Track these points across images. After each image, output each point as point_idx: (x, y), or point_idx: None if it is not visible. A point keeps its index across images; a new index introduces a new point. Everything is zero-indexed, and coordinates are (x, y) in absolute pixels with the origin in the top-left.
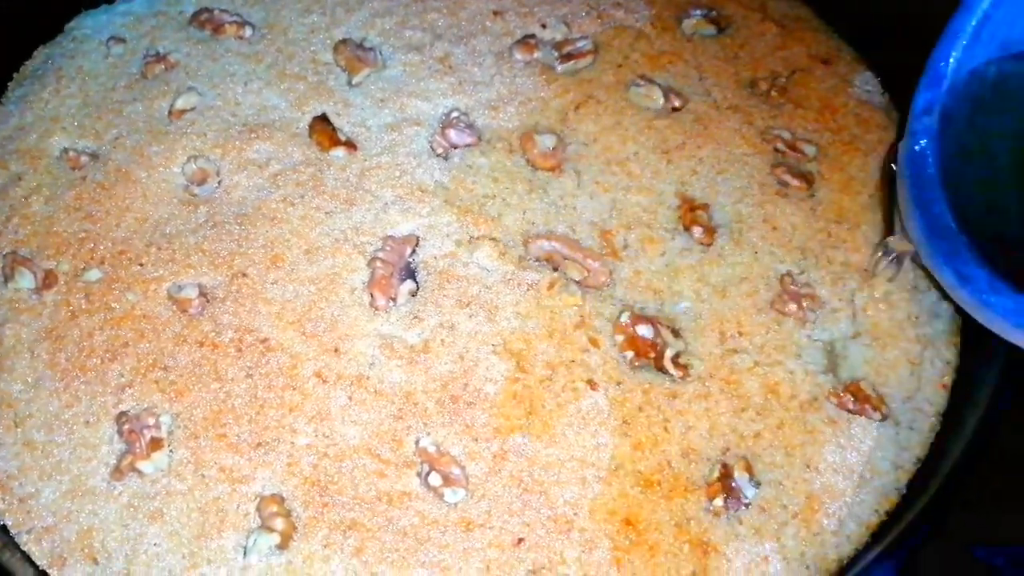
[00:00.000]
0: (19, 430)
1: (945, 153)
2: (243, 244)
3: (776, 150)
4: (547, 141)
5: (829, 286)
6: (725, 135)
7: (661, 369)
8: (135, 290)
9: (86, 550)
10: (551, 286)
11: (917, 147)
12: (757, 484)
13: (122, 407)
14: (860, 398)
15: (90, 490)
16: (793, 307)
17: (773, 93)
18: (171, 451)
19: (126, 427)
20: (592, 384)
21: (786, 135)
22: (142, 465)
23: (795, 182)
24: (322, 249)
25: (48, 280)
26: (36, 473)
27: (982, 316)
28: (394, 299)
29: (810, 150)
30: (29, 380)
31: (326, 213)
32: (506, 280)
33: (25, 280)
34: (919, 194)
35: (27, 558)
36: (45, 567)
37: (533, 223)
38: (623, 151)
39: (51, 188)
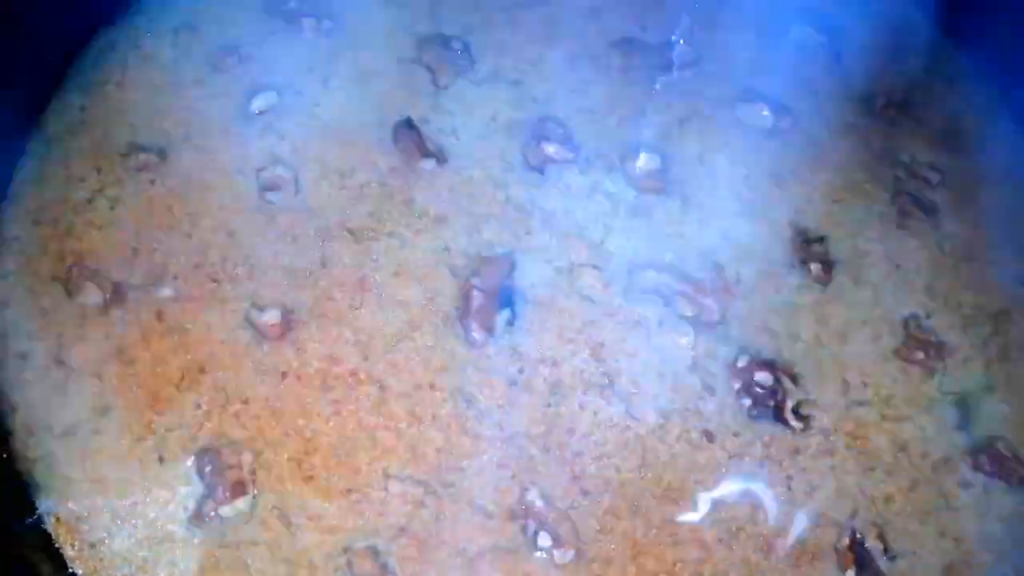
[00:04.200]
0: (88, 464)
1: None
2: (327, 262)
3: (896, 177)
4: (651, 161)
5: (959, 332)
6: (841, 158)
7: (781, 420)
8: (211, 310)
9: None
10: (661, 323)
11: None
12: (891, 556)
13: (201, 443)
14: (997, 459)
15: (168, 536)
16: (920, 355)
17: (891, 111)
18: (255, 495)
19: (207, 467)
20: (708, 435)
21: (906, 159)
22: (224, 510)
23: (918, 213)
24: (412, 271)
25: (116, 296)
26: (108, 515)
27: None
28: (491, 330)
29: (933, 177)
30: (98, 408)
31: (415, 231)
32: (611, 314)
33: (92, 295)
34: None
35: None
36: None
37: (638, 251)
38: (733, 174)
39: (117, 191)
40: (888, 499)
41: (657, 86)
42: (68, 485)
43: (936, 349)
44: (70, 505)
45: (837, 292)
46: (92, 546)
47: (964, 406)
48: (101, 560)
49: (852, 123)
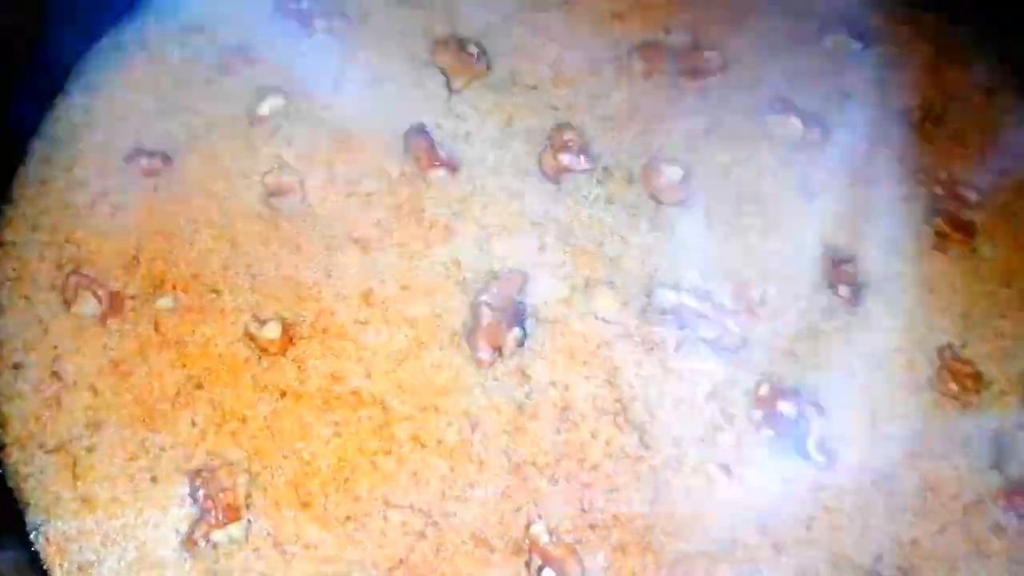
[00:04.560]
0: (79, 483)
1: None
2: (331, 274)
3: (932, 194)
4: (672, 172)
5: (996, 364)
6: (874, 174)
7: (804, 454)
8: (210, 323)
9: None
10: (679, 346)
11: None
12: None
13: (195, 463)
14: None
15: (159, 562)
16: (954, 387)
17: (927, 125)
18: (250, 520)
19: (201, 489)
20: (726, 469)
21: (943, 176)
22: (217, 535)
23: (955, 234)
24: (420, 285)
25: (114, 306)
26: (98, 537)
27: None
28: (500, 350)
29: (972, 196)
30: (90, 423)
31: (424, 243)
32: (628, 335)
33: (88, 305)
34: None
35: None
36: None
37: (658, 268)
38: (759, 188)
39: (119, 196)
40: (915, 543)
41: (682, 93)
42: (58, 503)
43: (972, 380)
44: (59, 524)
45: (867, 317)
46: (80, 569)
47: (999, 443)
48: None
49: (887, 137)
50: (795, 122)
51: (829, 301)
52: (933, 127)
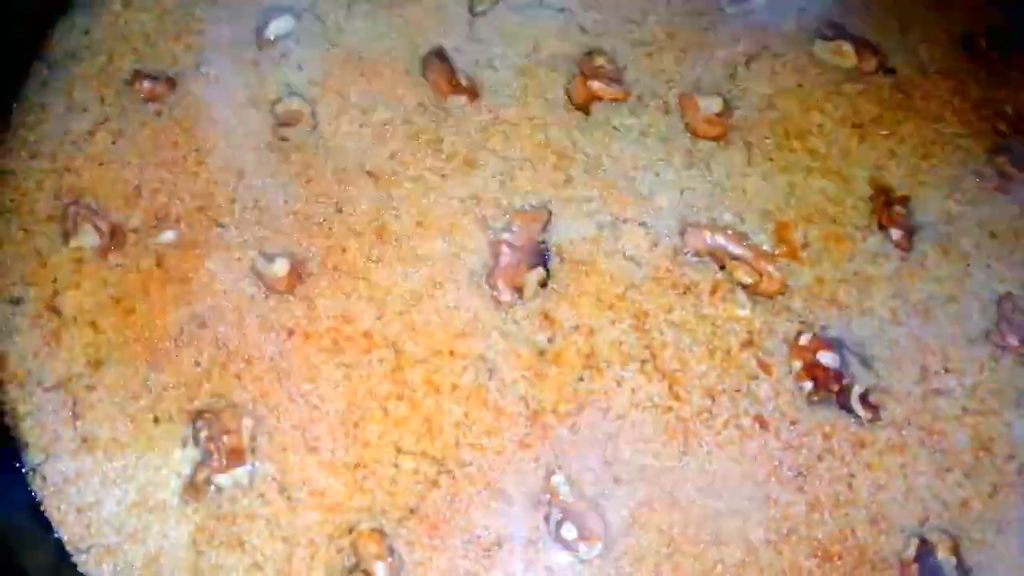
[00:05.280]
0: (78, 423)
1: None
2: (343, 208)
3: (996, 131)
4: (711, 103)
5: None
6: (933, 108)
7: (846, 407)
8: (215, 258)
9: None
10: (714, 291)
11: None
12: (965, 571)
13: (198, 404)
14: None
15: (159, 505)
16: (1014, 341)
17: (994, 55)
18: (254, 464)
19: (203, 431)
20: (762, 422)
21: (1009, 111)
22: (220, 479)
23: (1020, 175)
24: (436, 221)
25: (115, 239)
26: (97, 479)
27: None
28: (520, 291)
29: None
30: (91, 360)
31: (442, 176)
32: (658, 279)
33: (89, 238)
34: None
35: None
36: None
37: (693, 207)
38: (805, 121)
39: (120, 123)
40: (964, 505)
41: (724, 17)
42: (56, 443)
43: None
44: (57, 465)
45: (920, 262)
46: (79, 511)
47: None
48: (88, 527)
49: (948, 67)
50: (848, 49)
51: (879, 245)
52: (1000, 57)
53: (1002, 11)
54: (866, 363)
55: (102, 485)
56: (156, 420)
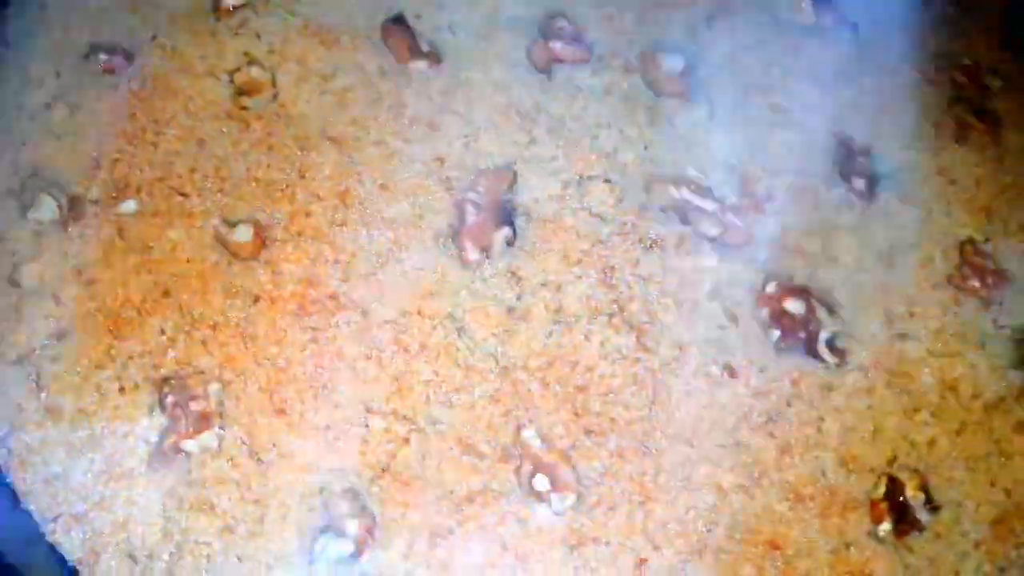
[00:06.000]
0: (43, 394)
1: None
2: (306, 174)
3: (954, 82)
4: (674, 61)
5: (1019, 260)
6: (892, 60)
7: (813, 354)
8: (177, 227)
9: (123, 545)
10: (680, 244)
11: None
12: (933, 506)
13: (164, 371)
14: None
15: (127, 473)
16: (975, 283)
17: (949, 8)
18: (222, 429)
19: (169, 397)
20: (731, 370)
21: (966, 62)
22: (188, 445)
23: (978, 124)
24: (400, 184)
25: (74, 210)
26: (63, 449)
27: None
28: (487, 250)
29: (996, 83)
30: (53, 332)
31: (404, 140)
32: (624, 233)
33: (47, 210)
34: None
35: (54, 552)
36: (75, 563)
37: (656, 162)
38: (766, 77)
39: (78, 96)
40: (932, 444)
41: None
42: (20, 415)
43: (994, 277)
44: (23, 436)
45: (883, 210)
46: (47, 482)
47: (1022, 343)
48: (55, 497)
49: (906, 20)
50: (805, 5)
51: (842, 195)
52: (957, 10)
53: None
54: (832, 310)
55: (68, 455)
56: (122, 390)
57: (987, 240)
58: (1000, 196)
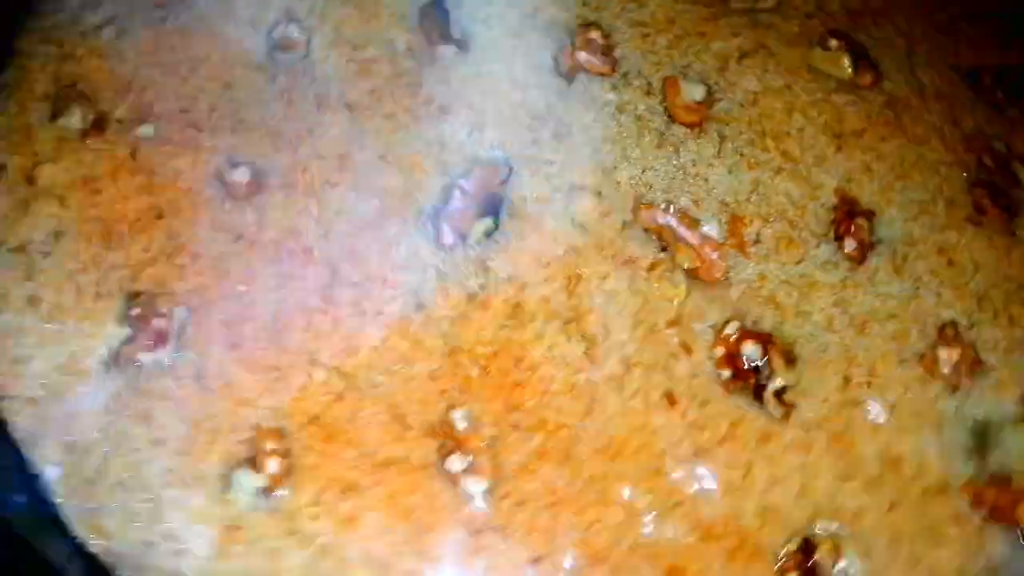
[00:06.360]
0: (28, 284)
1: None
2: (314, 132)
3: (981, 164)
4: (695, 90)
5: (1002, 353)
6: (921, 131)
7: (760, 400)
8: (185, 157)
9: (64, 434)
10: (653, 267)
11: None
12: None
13: (138, 286)
14: (1004, 501)
15: (84, 370)
16: (947, 369)
17: (998, 92)
18: (177, 350)
19: (135, 310)
20: (670, 398)
21: (999, 148)
22: (143, 357)
23: (995, 210)
24: (398, 158)
25: (98, 125)
26: (35, 336)
27: None
28: (464, 237)
29: (1023, 174)
30: (51, 230)
31: (414, 117)
32: (601, 247)
33: (74, 119)
34: None
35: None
36: (18, 441)
37: (651, 186)
38: (786, 123)
39: (127, 22)
40: (858, 513)
41: (727, 10)
42: (5, 298)
43: (968, 365)
44: (3, 317)
45: (868, 276)
46: (14, 362)
47: (982, 434)
48: (17, 377)
49: (948, 93)
50: (845, 61)
51: (831, 253)
52: (1004, 97)
53: (1016, 52)
54: (791, 362)
55: (38, 343)
56: (98, 294)
57: (972, 326)
58: (999, 286)
